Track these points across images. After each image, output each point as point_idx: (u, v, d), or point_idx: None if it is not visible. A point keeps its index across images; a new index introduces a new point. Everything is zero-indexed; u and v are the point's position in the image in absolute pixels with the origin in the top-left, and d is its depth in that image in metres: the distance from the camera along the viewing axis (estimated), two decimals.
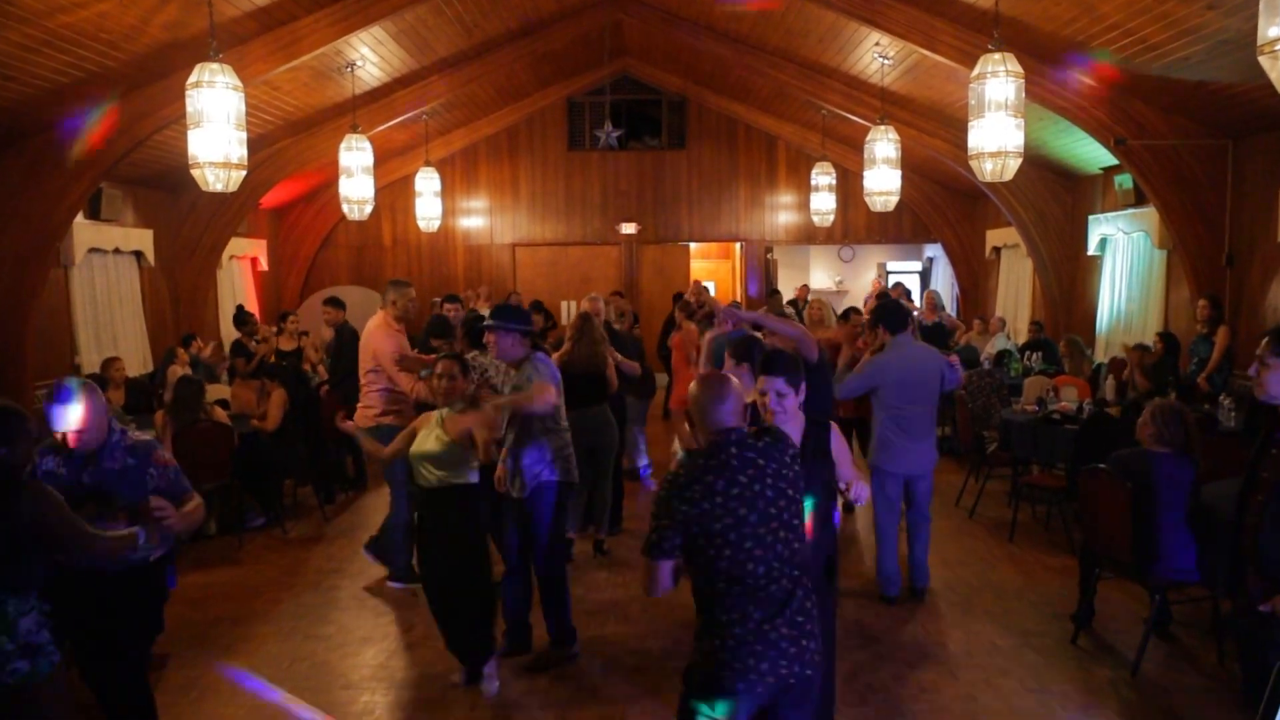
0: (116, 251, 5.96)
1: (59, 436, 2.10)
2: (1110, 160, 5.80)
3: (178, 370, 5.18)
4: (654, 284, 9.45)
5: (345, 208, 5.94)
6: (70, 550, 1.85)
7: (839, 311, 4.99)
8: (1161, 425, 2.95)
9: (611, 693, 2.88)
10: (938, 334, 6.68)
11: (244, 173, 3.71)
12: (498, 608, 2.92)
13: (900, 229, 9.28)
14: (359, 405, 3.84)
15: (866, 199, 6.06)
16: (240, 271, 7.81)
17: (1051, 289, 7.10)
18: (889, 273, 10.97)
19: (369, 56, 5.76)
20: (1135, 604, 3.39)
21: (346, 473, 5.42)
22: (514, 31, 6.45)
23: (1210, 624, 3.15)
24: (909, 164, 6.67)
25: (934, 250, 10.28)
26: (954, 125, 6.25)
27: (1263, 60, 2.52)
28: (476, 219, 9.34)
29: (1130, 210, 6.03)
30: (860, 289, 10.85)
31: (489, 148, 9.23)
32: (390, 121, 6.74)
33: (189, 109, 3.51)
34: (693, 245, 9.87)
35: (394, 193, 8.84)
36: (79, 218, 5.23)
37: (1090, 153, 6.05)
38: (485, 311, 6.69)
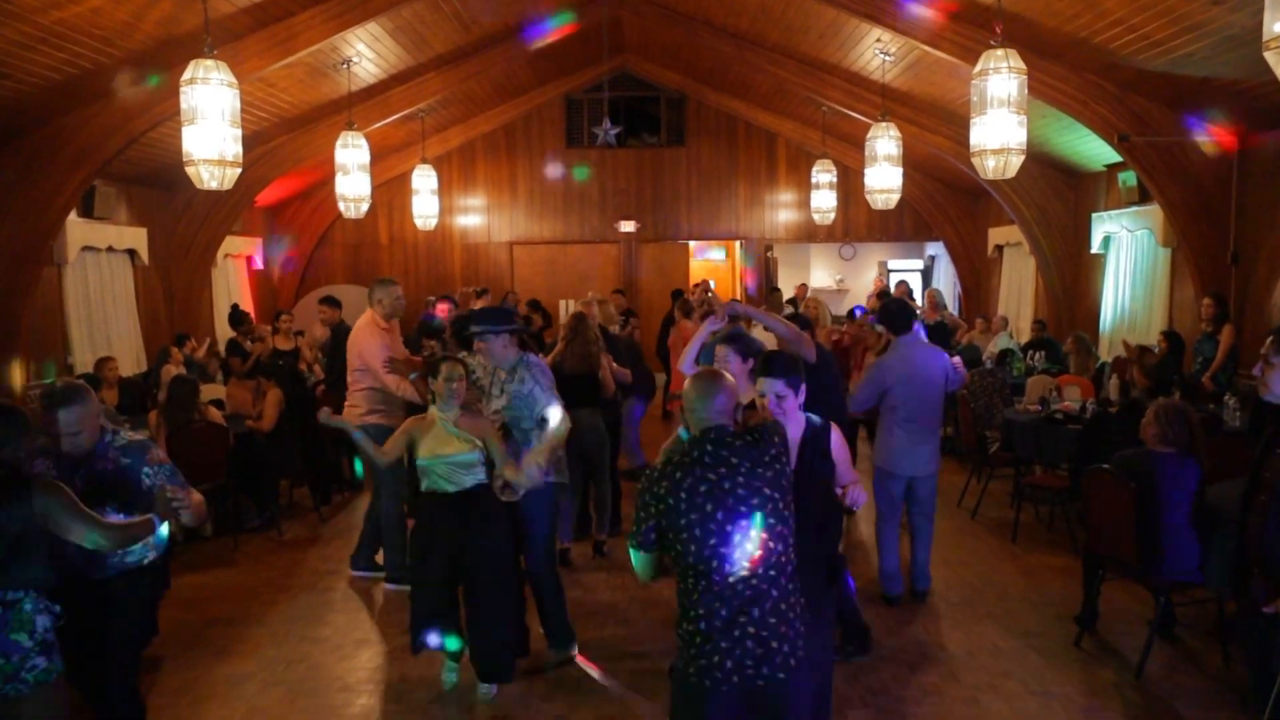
0: (110, 250, 5.92)
1: (49, 439, 2.07)
2: (1114, 157, 5.76)
3: (172, 370, 5.14)
4: (653, 282, 9.41)
5: (341, 206, 5.91)
6: (87, 543, 1.84)
7: (842, 311, 4.96)
8: (1165, 425, 2.93)
9: (610, 695, 2.86)
10: (940, 333, 6.64)
11: (239, 170, 3.68)
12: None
13: (901, 227, 9.25)
14: (345, 404, 3.82)
15: (867, 197, 6.03)
16: (235, 270, 7.77)
17: (1054, 287, 7.07)
18: (890, 271, 10.94)
19: (365, 53, 5.73)
20: (1139, 606, 3.38)
21: (343, 473, 5.39)
22: (512, 28, 6.41)
23: (1215, 626, 3.13)
24: (910, 161, 6.60)
25: (936, 248, 10.25)
26: (956, 122, 6.21)
27: (1268, 56, 2.50)
28: (474, 217, 9.29)
29: (1134, 208, 6.00)
30: (861, 288, 10.82)
31: (486, 145, 9.18)
32: (387, 119, 6.71)
33: (183, 106, 3.49)
34: (692, 244, 9.85)
35: (390, 190, 8.79)
36: (72, 216, 5.19)
37: (1093, 150, 6.01)
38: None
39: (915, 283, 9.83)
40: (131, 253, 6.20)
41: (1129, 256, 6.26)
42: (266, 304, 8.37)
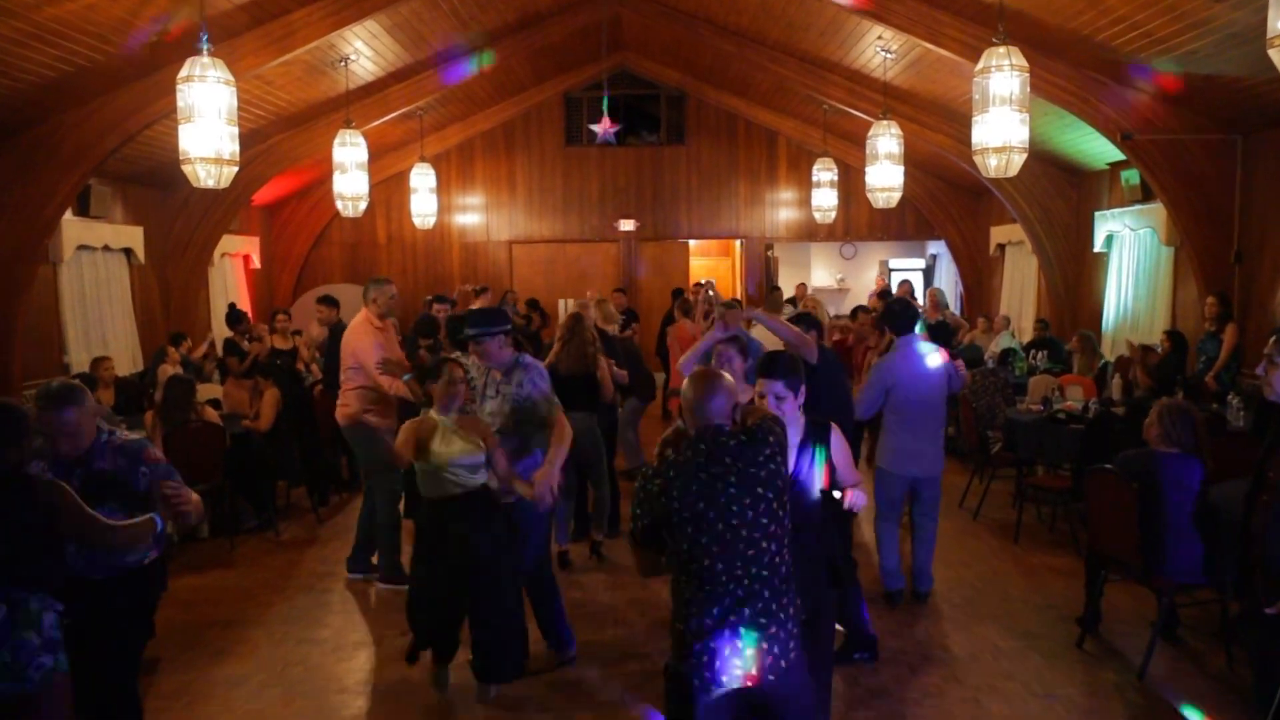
0: (106, 249, 5.89)
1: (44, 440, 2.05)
2: (1117, 155, 5.73)
3: (168, 370, 5.11)
4: (653, 281, 9.38)
5: (339, 204, 5.88)
6: (88, 541, 1.82)
7: (844, 310, 4.94)
8: (1169, 425, 2.92)
9: (609, 697, 2.84)
10: (942, 333, 6.62)
11: (235, 169, 3.65)
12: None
13: (903, 226, 9.22)
14: (338, 403, 3.80)
15: (869, 195, 6.01)
16: (232, 269, 7.74)
17: (1057, 286, 7.04)
18: (891, 270, 10.90)
19: (363, 50, 5.70)
20: (1142, 607, 3.36)
21: (340, 474, 5.36)
22: (510, 25, 6.37)
23: (1219, 627, 3.11)
24: (912, 159, 6.56)
25: (937, 247, 10.22)
26: (957, 120, 6.19)
27: (1272, 54, 2.49)
28: (472, 216, 9.26)
29: (1137, 206, 5.98)
30: (863, 287, 10.78)
31: (485, 143, 9.15)
32: (385, 117, 6.68)
33: (180, 104, 3.46)
34: (692, 242, 9.81)
35: (388, 189, 8.76)
36: (68, 214, 5.16)
37: (1096, 148, 5.99)
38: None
39: (917, 282, 9.81)
40: (128, 252, 6.17)
41: (1132, 255, 6.23)
42: (264, 303, 8.34)
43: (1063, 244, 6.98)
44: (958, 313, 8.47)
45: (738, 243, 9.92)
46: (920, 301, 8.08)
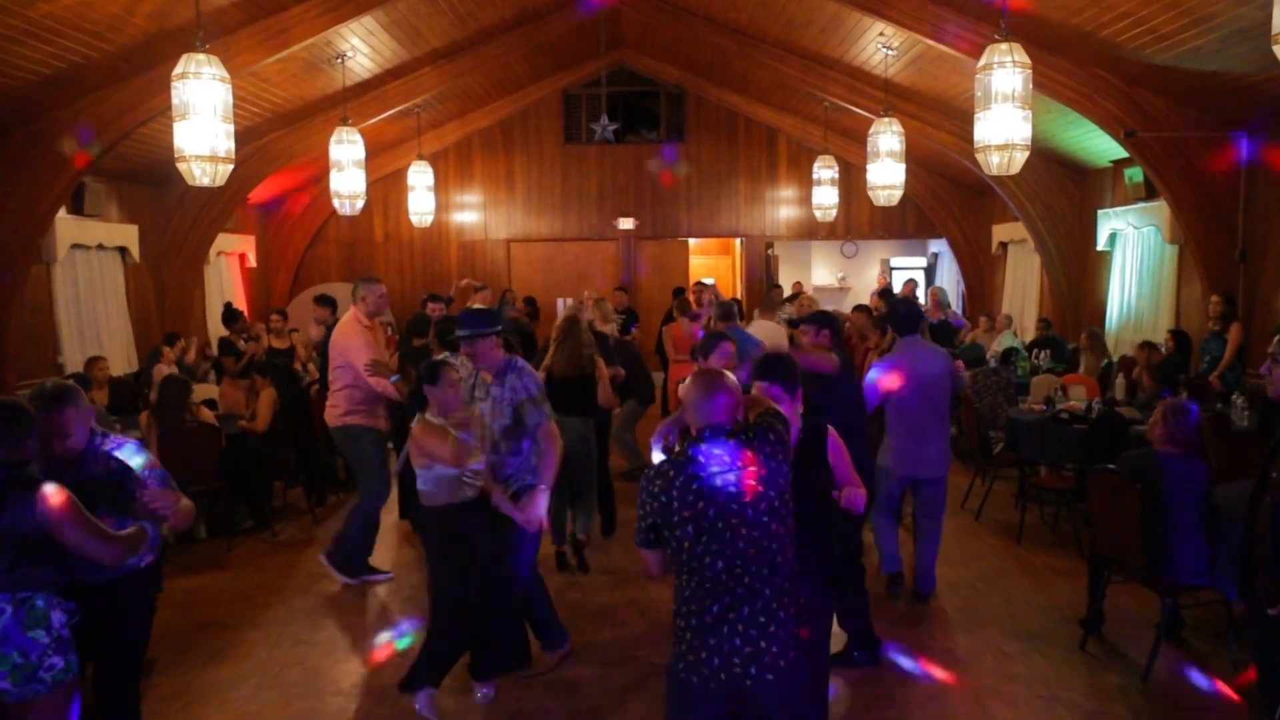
0: (100, 247, 5.85)
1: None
2: (1120, 153, 5.71)
3: (163, 370, 5.08)
4: (653, 280, 9.34)
5: (336, 203, 5.85)
6: (86, 552, 1.80)
7: (845, 310, 4.89)
8: (1173, 425, 2.89)
9: (608, 698, 2.82)
10: (943, 332, 6.60)
11: (231, 166, 3.62)
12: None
13: (904, 224, 9.18)
14: (326, 403, 3.78)
15: (870, 193, 5.97)
16: (228, 268, 7.69)
17: (1060, 285, 7.01)
18: (893, 269, 10.86)
19: (360, 47, 5.66)
20: (1146, 608, 3.33)
21: (337, 474, 5.33)
22: (509, 21, 6.33)
23: (1223, 629, 3.09)
24: (913, 157, 6.52)
25: (939, 246, 10.19)
26: (959, 117, 6.16)
27: (1277, 49, 2.47)
28: (470, 214, 9.22)
29: (1140, 204, 5.94)
30: (864, 285, 10.74)
31: (483, 141, 9.10)
32: (382, 114, 6.64)
33: (175, 101, 3.42)
34: (691, 241, 9.77)
35: (386, 187, 8.71)
36: (61, 213, 5.11)
37: (1099, 145, 5.96)
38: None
39: (919, 281, 9.76)
40: (122, 250, 6.13)
41: (1135, 254, 6.20)
42: (260, 302, 8.30)
43: (1065, 242, 6.95)
44: (959, 312, 8.43)
45: (738, 241, 9.88)
46: (922, 300, 8.04)
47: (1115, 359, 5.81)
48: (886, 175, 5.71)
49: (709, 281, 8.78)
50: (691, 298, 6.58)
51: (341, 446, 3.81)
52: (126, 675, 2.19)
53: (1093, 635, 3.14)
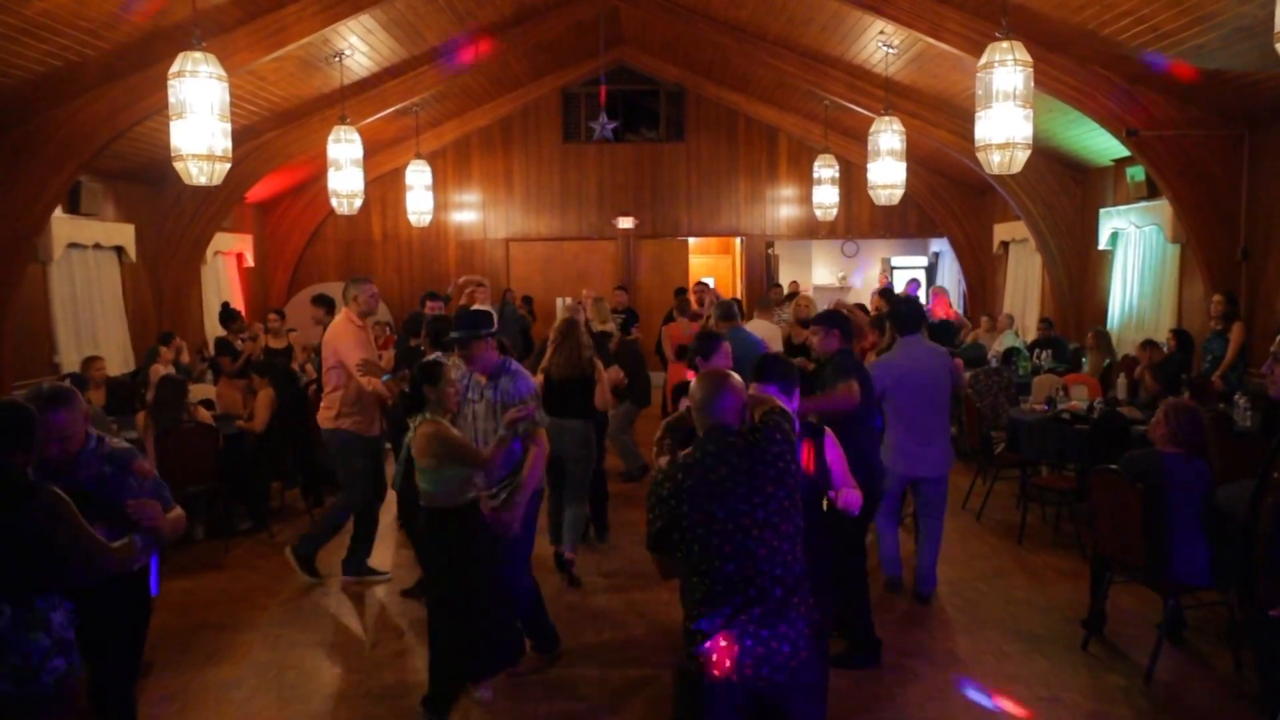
0: (97, 247, 5.81)
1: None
2: (1122, 152, 5.70)
3: (160, 370, 5.05)
4: (652, 280, 9.31)
5: (334, 202, 5.83)
6: (78, 564, 1.77)
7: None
8: (1175, 425, 2.88)
9: (607, 699, 2.81)
10: (945, 332, 6.58)
11: (228, 165, 3.60)
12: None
13: (905, 223, 9.15)
14: (321, 406, 3.78)
15: (870, 192, 5.96)
16: (225, 267, 7.66)
17: (1061, 285, 6.99)
18: (894, 268, 10.83)
19: (358, 45, 5.63)
20: (1148, 609, 3.31)
21: (335, 475, 5.30)
22: (507, 19, 6.31)
23: (1225, 630, 3.08)
24: (914, 156, 6.51)
25: (940, 245, 10.17)
26: (960, 116, 6.13)
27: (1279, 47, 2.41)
28: (469, 213, 9.19)
29: (1142, 203, 5.93)
30: (865, 285, 10.71)
31: (481, 140, 9.07)
32: (380, 113, 6.61)
33: (171, 99, 3.41)
34: (691, 240, 9.74)
35: (384, 186, 8.67)
36: (57, 212, 5.09)
37: (1101, 144, 5.94)
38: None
39: (921, 280, 9.74)
40: (119, 250, 6.10)
41: (1137, 253, 6.19)
42: (258, 302, 8.28)
43: (1067, 241, 6.92)
44: (960, 311, 8.40)
45: (738, 241, 9.85)
46: (924, 300, 8.02)
47: (1119, 358, 5.80)
48: (887, 174, 5.70)
49: (709, 281, 8.77)
50: (693, 298, 6.56)
51: (331, 450, 3.81)
52: (122, 677, 2.17)
53: (1094, 636, 3.12)
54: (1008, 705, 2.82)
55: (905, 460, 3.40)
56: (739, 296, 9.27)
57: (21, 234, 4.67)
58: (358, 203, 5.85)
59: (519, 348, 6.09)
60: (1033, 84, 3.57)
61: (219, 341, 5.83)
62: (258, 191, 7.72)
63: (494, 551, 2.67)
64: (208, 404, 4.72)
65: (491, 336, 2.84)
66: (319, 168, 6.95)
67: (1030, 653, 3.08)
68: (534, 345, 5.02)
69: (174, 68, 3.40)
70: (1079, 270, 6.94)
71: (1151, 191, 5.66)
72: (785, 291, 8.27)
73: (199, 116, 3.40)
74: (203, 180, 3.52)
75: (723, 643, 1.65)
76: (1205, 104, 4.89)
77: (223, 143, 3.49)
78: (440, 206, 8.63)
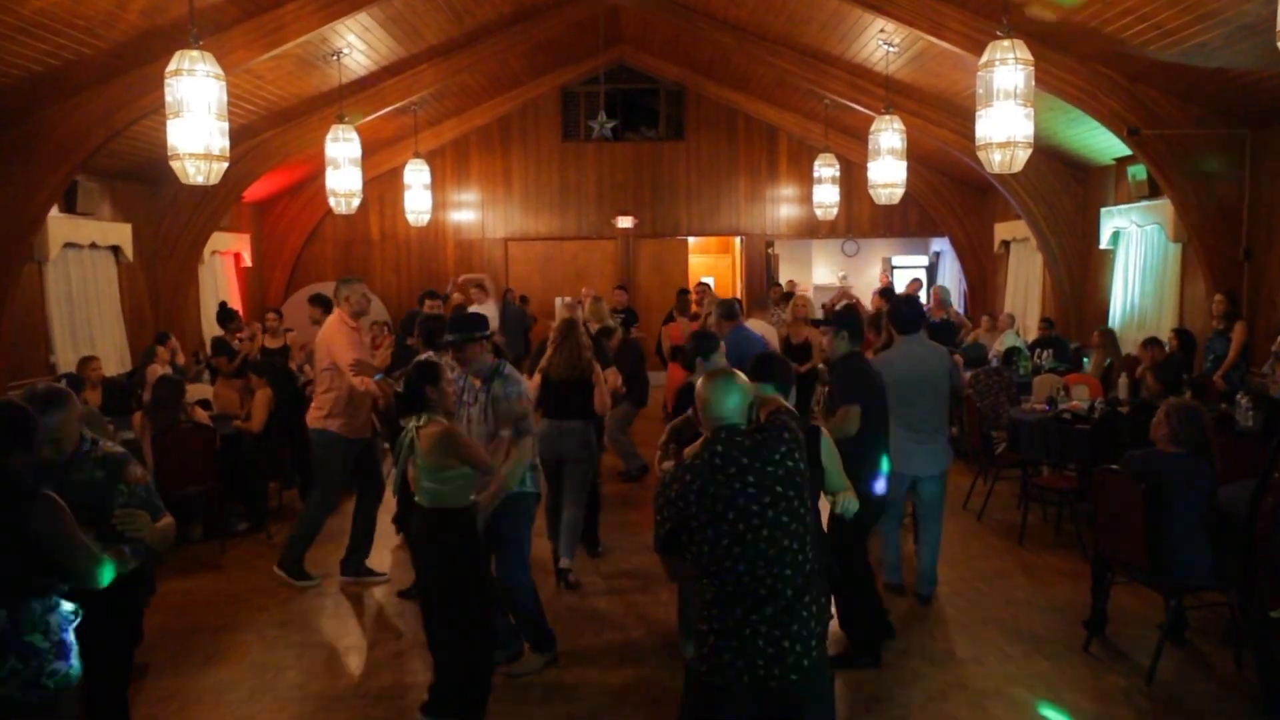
0: (93, 246, 5.79)
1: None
2: (1123, 150, 5.67)
3: (157, 369, 5.04)
4: (651, 279, 9.29)
5: (332, 201, 5.81)
6: (71, 574, 1.75)
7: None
8: (1177, 425, 2.87)
9: (606, 701, 2.80)
10: (945, 331, 6.56)
11: (225, 165, 3.58)
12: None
13: (906, 222, 9.14)
14: (312, 405, 3.78)
15: (871, 191, 5.94)
16: (223, 267, 7.64)
17: (1062, 284, 6.98)
18: (894, 268, 10.81)
19: (356, 44, 5.61)
20: (1149, 610, 3.30)
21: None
22: (506, 18, 6.29)
23: (1227, 630, 3.06)
24: (915, 155, 6.49)
25: (941, 244, 10.15)
26: (961, 115, 6.11)
27: None
28: (468, 212, 9.16)
29: (1144, 202, 5.91)
30: (865, 284, 10.69)
31: (480, 139, 9.04)
32: (378, 112, 6.59)
33: (168, 98, 3.39)
34: (691, 240, 9.72)
35: (382, 185, 8.65)
36: (54, 211, 5.07)
37: (1102, 143, 5.92)
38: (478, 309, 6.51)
39: (923, 279, 9.71)
40: (115, 249, 6.08)
41: (1139, 252, 6.17)
42: (255, 301, 8.26)
43: (1068, 240, 6.91)
44: (961, 311, 8.38)
45: (738, 240, 9.83)
46: (923, 299, 8.00)
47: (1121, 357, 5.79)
48: (888, 173, 5.68)
49: (708, 281, 8.75)
50: (694, 298, 6.54)
51: (315, 449, 3.80)
52: (113, 680, 2.16)
53: (1096, 637, 3.11)
54: (938, 673, 2.84)
55: (903, 459, 3.38)
56: (739, 296, 9.25)
57: (18, 233, 4.65)
58: (356, 202, 5.83)
59: (521, 347, 6.07)
60: (1034, 82, 3.56)
61: (216, 341, 5.81)
62: (255, 191, 7.70)
63: (488, 553, 2.66)
64: (205, 404, 4.71)
65: (486, 339, 2.82)
66: (317, 167, 6.93)
67: (1031, 653, 3.07)
68: (531, 346, 5.00)
69: (171, 66, 3.38)
70: (1080, 270, 6.93)
71: (1153, 190, 5.64)
72: (783, 290, 8.27)
73: (196, 115, 3.38)
74: (200, 179, 3.51)
75: (735, 643, 1.64)
76: (1207, 102, 4.87)
77: (220, 142, 3.47)
78: (439, 206, 8.60)
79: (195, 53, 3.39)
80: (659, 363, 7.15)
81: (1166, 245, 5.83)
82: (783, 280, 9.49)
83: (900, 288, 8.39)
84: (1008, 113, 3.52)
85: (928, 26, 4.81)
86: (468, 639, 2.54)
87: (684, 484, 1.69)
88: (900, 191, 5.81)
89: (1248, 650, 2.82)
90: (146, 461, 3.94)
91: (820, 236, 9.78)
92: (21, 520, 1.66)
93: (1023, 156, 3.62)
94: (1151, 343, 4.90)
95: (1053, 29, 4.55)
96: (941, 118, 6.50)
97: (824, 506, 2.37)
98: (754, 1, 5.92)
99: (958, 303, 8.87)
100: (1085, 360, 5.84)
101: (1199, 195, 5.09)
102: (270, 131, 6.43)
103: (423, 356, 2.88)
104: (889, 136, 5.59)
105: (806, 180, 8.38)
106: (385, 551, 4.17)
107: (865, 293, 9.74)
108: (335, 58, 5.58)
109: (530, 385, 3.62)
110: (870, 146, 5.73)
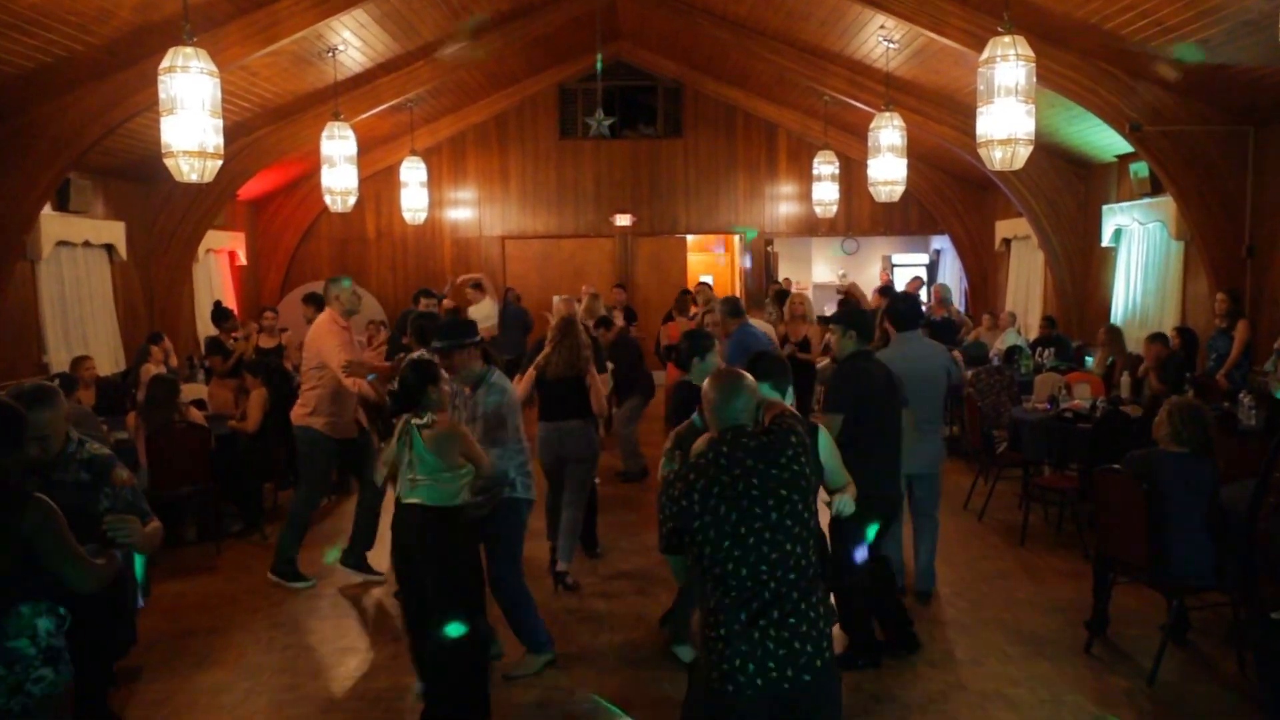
0: (86, 245, 5.75)
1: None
2: (1125, 147, 5.64)
3: (151, 369, 5.00)
4: (650, 278, 9.26)
5: (327, 199, 5.77)
6: (61, 579, 1.72)
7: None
8: (1179, 424, 2.85)
9: (603, 702, 2.77)
10: (946, 330, 6.54)
11: (220, 162, 3.56)
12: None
13: (906, 220, 9.11)
14: (297, 402, 3.77)
15: (871, 189, 5.92)
16: (217, 266, 7.60)
17: (1064, 282, 6.96)
18: (895, 266, 10.78)
19: (351, 41, 5.58)
20: (1151, 610, 3.28)
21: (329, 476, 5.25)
22: (503, 15, 6.24)
23: (1229, 631, 3.04)
24: (915, 152, 6.46)
25: (941, 242, 10.11)
26: (962, 111, 6.09)
27: None
28: (464, 211, 9.12)
29: (1146, 200, 5.89)
30: (865, 283, 10.65)
31: (477, 136, 9.00)
32: (374, 109, 6.56)
33: (162, 95, 3.37)
34: (690, 238, 9.69)
35: (378, 183, 8.61)
36: (46, 209, 5.04)
37: (1104, 140, 5.90)
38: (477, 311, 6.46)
39: (923, 278, 9.68)
40: (109, 248, 6.04)
41: (1141, 250, 6.16)
42: (250, 300, 8.22)
43: (1070, 238, 6.89)
44: (962, 309, 8.36)
45: (737, 238, 9.81)
46: (924, 298, 7.98)
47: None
48: (888, 170, 5.65)
49: (708, 280, 8.71)
50: (694, 296, 6.52)
51: (299, 446, 3.79)
52: (94, 684, 2.14)
53: (1097, 638, 3.09)
54: (938, 674, 2.82)
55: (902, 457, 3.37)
56: (738, 294, 9.22)
57: (10, 232, 4.62)
58: (351, 200, 5.79)
59: (521, 347, 6.05)
60: (1035, 79, 3.54)
61: (210, 341, 5.78)
62: (250, 189, 7.65)
63: (480, 554, 2.63)
64: (199, 404, 4.67)
65: (475, 345, 2.79)
66: (312, 164, 6.89)
67: (1032, 654, 3.05)
68: (527, 345, 4.98)
69: (165, 63, 3.35)
70: (1082, 267, 6.91)
71: (1155, 188, 5.63)
72: (779, 288, 8.24)
73: (190, 112, 3.36)
74: (194, 177, 3.48)
75: (744, 648, 1.62)
76: (1209, 99, 4.85)
77: (214, 139, 3.45)
78: (435, 204, 8.56)
79: (189, 49, 3.36)
80: (658, 362, 7.12)
81: (1169, 243, 5.81)
82: (779, 278, 9.47)
83: (901, 286, 8.37)
84: (1009, 109, 3.51)
85: (928, 23, 4.79)
86: (459, 640, 2.51)
87: (687, 483, 1.68)
88: (900, 189, 5.78)
89: (1250, 651, 2.80)
90: (140, 462, 3.92)
91: (820, 234, 9.73)
92: (13, 523, 1.64)
93: (1024, 153, 3.60)
94: (1156, 339, 4.88)
95: (1054, 25, 4.52)
96: (942, 114, 6.47)
97: (824, 508, 2.35)
98: None
99: (958, 301, 8.85)
100: (1088, 359, 5.82)
101: (1201, 192, 5.06)
102: (265, 129, 6.39)
103: (416, 354, 2.85)
104: (889, 133, 5.56)
105: (806, 178, 8.34)
106: (385, 552, 4.14)
107: (865, 291, 9.71)
108: (330, 54, 5.55)
109: (523, 382, 3.60)
110: (870, 143, 5.69)
